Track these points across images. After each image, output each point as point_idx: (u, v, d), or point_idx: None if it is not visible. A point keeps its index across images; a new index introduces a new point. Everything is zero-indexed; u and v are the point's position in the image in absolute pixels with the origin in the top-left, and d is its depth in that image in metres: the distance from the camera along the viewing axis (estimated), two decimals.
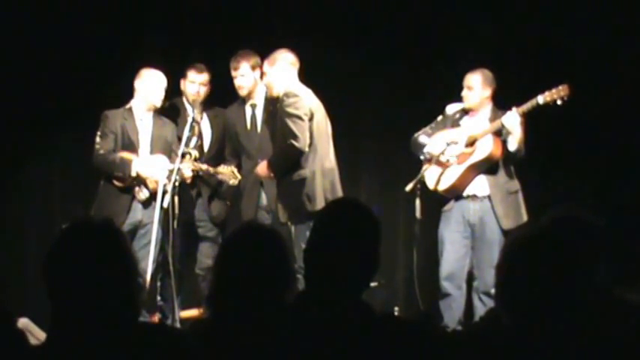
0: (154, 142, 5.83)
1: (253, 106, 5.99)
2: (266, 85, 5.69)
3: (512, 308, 2.29)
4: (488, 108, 5.61)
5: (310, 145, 5.45)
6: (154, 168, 5.67)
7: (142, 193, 5.72)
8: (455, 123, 5.67)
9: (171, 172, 5.59)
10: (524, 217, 5.53)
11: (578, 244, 2.37)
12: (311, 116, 5.45)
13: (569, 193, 5.95)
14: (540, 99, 5.36)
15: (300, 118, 5.39)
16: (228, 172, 5.77)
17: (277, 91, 5.55)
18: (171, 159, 5.75)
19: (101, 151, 5.73)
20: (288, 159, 5.46)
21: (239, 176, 5.78)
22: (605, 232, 2.68)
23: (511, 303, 2.30)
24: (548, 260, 2.27)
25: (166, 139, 5.88)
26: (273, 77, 5.56)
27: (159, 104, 5.82)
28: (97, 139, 5.77)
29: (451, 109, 5.71)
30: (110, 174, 5.72)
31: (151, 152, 5.80)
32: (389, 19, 6.53)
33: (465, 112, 5.66)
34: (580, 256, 2.33)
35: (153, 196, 5.66)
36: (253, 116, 5.99)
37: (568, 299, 2.25)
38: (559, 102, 5.33)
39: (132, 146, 5.77)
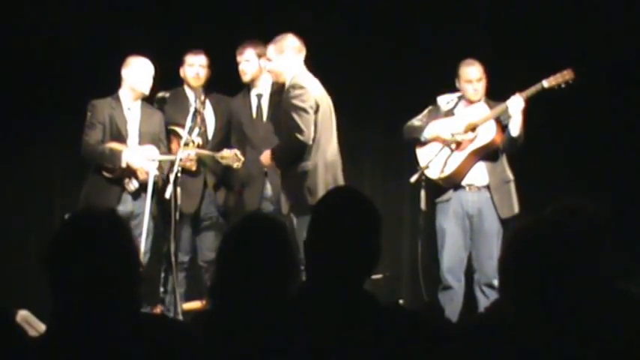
0: (141, 131, 5.80)
1: (259, 96, 5.97)
2: (271, 71, 5.60)
3: (517, 300, 2.28)
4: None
5: (314, 138, 5.42)
6: (143, 159, 5.65)
7: (132, 184, 5.71)
8: (449, 113, 5.65)
9: (161, 162, 5.62)
10: (516, 209, 5.53)
11: (582, 236, 2.36)
12: (316, 108, 5.41)
13: (565, 184, 5.95)
14: (545, 83, 5.38)
15: (305, 111, 5.34)
16: (230, 156, 5.74)
17: (284, 78, 5.47)
18: (160, 149, 5.76)
19: (90, 142, 5.70)
20: (292, 152, 5.42)
21: (242, 158, 5.75)
22: (608, 223, 2.67)
23: (515, 295, 2.29)
24: (552, 251, 2.26)
25: (154, 129, 5.86)
26: (280, 65, 5.47)
27: (147, 92, 5.80)
28: (85, 130, 5.73)
29: (443, 100, 5.69)
30: (99, 165, 5.70)
31: (140, 142, 5.78)
32: (394, 8, 6.50)
33: (459, 100, 5.64)
34: (584, 248, 2.31)
35: (142, 187, 5.65)
36: (259, 106, 5.97)
37: (572, 291, 2.23)
38: (563, 86, 5.33)
39: (120, 136, 5.74)
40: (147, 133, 5.81)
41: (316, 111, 5.39)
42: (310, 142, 5.37)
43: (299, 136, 5.32)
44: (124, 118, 5.78)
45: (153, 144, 5.78)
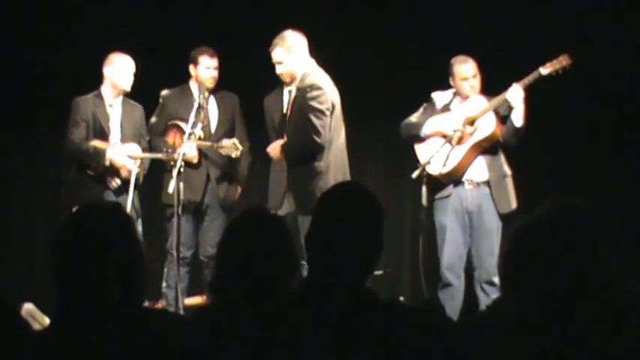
0: (123, 128, 5.88)
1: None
2: (284, 74, 5.50)
3: (518, 299, 2.28)
4: None
5: (327, 139, 5.39)
6: (126, 156, 5.73)
7: (114, 182, 5.79)
8: (445, 108, 5.65)
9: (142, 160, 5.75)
10: (514, 204, 5.53)
11: (584, 232, 2.36)
12: (332, 110, 5.38)
13: (563, 179, 5.97)
14: (542, 70, 5.37)
15: (323, 113, 5.30)
16: (229, 145, 5.77)
17: (297, 76, 5.44)
18: (141, 145, 5.88)
19: (75, 140, 5.76)
20: (306, 152, 5.37)
21: (240, 147, 5.78)
22: (603, 220, 2.66)
23: (517, 294, 2.29)
24: (557, 248, 2.26)
25: (135, 125, 5.95)
26: (292, 64, 5.43)
27: (129, 89, 5.87)
28: (69, 128, 5.80)
29: (438, 96, 5.69)
30: (82, 163, 5.76)
31: (121, 138, 5.87)
32: (398, 2, 6.52)
33: (454, 96, 5.65)
34: (587, 244, 2.31)
35: (124, 183, 5.74)
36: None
37: (573, 289, 2.24)
38: (561, 72, 5.33)
39: (103, 133, 5.82)
40: (128, 129, 5.91)
41: (332, 113, 5.37)
42: (326, 145, 5.35)
43: (316, 138, 5.29)
44: (107, 115, 5.86)
45: (134, 140, 5.89)
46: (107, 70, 5.85)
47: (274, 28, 5.57)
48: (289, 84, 5.55)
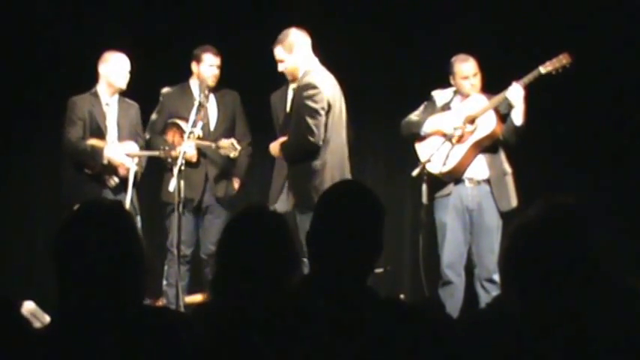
0: (120, 126, 5.89)
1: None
2: (285, 72, 5.52)
3: (519, 297, 2.29)
4: None
5: (324, 138, 5.36)
6: (124, 155, 5.74)
7: (113, 180, 5.80)
8: (445, 107, 5.65)
9: (140, 158, 5.76)
10: (514, 202, 5.53)
11: (576, 230, 2.36)
12: (328, 109, 5.37)
13: (563, 177, 5.97)
14: (542, 69, 5.36)
15: (318, 112, 5.30)
16: (228, 145, 5.79)
17: (299, 74, 5.44)
18: (138, 142, 5.89)
19: (72, 139, 5.77)
20: (302, 151, 5.38)
21: (238, 147, 5.79)
22: (594, 218, 2.66)
23: (518, 291, 2.29)
24: (553, 246, 2.27)
25: (131, 123, 5.96)
26: (292, 63, 5.44)
27: (124, 87, 5.88)
28: (66, 127, 5.80)
29: (438, 95, 5.69)
30: (80, 162, 5.76)
31: (118, 136, 5.87)
32: (398, 2, 6.53)
33: (454, 95, 5.64)
34: (580, 242, 2.32)
35: (123, 182, 5.74)
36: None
37: (573, 286, 2.24)
38: (561, 71, 5.33)
39: (100, 132, 5.83)
40: (125, 128, 5.91)
41: (328, 112, 5.36)
42: (320, 144, 5.34)
43: (310, 137, 5.29)
44: (103, 113, 5.87)
45: (131, 138, 5.89)
46: (102, 68, 5.85)
47: (278, 25, 5.57)
48: (293, 81, 5.56)
